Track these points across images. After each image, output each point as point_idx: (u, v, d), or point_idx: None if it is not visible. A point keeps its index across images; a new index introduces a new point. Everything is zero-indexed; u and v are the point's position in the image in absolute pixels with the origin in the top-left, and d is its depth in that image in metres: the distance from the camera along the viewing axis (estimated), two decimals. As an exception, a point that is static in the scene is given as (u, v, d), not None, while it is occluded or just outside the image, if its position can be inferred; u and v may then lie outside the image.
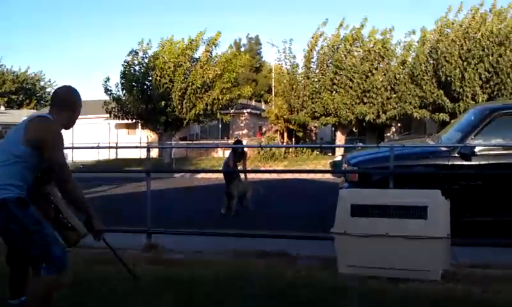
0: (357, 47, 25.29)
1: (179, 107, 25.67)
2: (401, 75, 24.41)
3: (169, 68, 25.38)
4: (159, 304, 4.14)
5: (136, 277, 4.43)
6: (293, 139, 30.74)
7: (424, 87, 23.63)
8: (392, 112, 24.47)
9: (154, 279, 4.94)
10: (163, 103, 25.26)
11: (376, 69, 24.42)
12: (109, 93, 26.61)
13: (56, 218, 3.48)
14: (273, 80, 34.38)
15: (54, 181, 3.40)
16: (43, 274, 3.10)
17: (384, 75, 24.37)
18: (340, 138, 26.52)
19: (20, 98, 59.86)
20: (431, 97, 23.51)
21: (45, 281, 3.10)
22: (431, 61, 23.69)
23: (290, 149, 27.24)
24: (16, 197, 3.09)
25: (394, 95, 24.42)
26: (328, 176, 12.74)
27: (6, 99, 56.87)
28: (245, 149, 11.55)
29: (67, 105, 3.42)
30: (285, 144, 29.53)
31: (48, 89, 64.37)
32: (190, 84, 25.29)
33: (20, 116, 44.96)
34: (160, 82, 25.42)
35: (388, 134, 30.71)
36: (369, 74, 24.25)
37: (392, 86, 24.31)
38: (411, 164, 6.94)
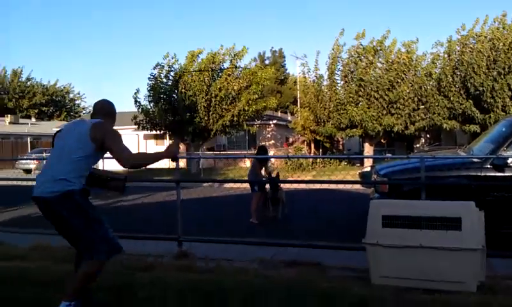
0: (379, 57, 25.10)
1: (205, 118, 25.91)
2: (428, 87, 24.14)
3: (194, 81, 25.70)
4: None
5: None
6: (320, 150, 30.66)
7: (451, 98, 23.32)
8: (420, 123, 24.20)
9: (186, 286, 5.00)
10: (188, 115, 25.55)
11: (402, 80, 24.18)
12: (137, 104, 27.06)
13: (99, 182, 4.34)
14: (298, 91, 34.41)
15: (122, 165, 3.99)
16: (93, 260, 3.81)
17: (411, 86, 24.12)
18: (368, 149, 26.31)
19: (50, 110, 61.28)
20: (459, 108, 23.19)
21: (93, 264, 3.82)
22: (458, 73, 23.39)
23: (318, 160, 27.17)
24: (81, 189, 3.83)
25: (422, 106, 24.14)
26: (357, 186, 12.65)
27: (36, 111, 58.30)
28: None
29: (108, 113, 4.22)
30: (312, 155, 29.46)
31: (77, 102, 65.83)
32: (214, 95, 25.54)
33: (51, 127, 46.00)
34: (186, 94, 25.73)
35: (418, 145, 30.35)
36: (394, 85, 24.02)
37: (419, 97, 24.04)
38: (443, 175, 6.86)
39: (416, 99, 23.94)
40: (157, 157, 4.25)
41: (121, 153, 3.90)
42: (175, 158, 4.59)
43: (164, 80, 27.01)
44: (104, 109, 4.25)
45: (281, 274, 5.44)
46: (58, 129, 4.54)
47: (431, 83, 24.28)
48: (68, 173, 3.77)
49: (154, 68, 26.86)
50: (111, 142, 3.90)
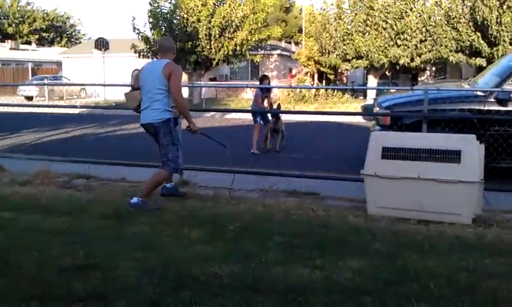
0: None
1: (208, 47, 25.41)
2: (437, 17, 23.49)
3: (196, 6, 24.92)
4: (191, 235, 4.27)
5: (225, 147, 6.01)
6: (324, 82, 30.34)
7: (460, 30, 22.78)
8: (426, 56, 23.73)
9: (186, 212, 5.09)
10: (190, 43, 24.99)
11: (411, 10, 23.51)
12: (137, 31, 26.41)
13: None
14: (304, 20, 33.60)
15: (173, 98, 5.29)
16: (163, 169, 5.32)
17: (420, 16, 23.48)
18: (372, 81, 25.99)
19: (51, 36, 60.28)
20: (467, 40, 22.70)
21: (161, 174, 5.33)
22: (468, 3, 22.70)
23: (321, 92, 26.93)
24: (173, 117, 5.35)
25: (429, 38, 23.60)
26: (359, 119, 12.61)
27: (37, 36, 57.36)
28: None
29: (168, 49, 5.43)
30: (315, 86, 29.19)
31: (77, 28, 64.62)
32: (215, 24, 24.82)
33: (52, 53, 45.32)
34: (188, 21, 25.05)
35: (423, 78, 29.98)
36: (403, 15, 23.38)
37: (427, 28, 23.45)
38: (446, 108, 6.80)
39: (424, 30, 23.36)
40: (188, 117, 5.51)
41: (175, 90, 5.23)
42: (194, 131, 5.57)
43: (166, 5, 26.18)
44: (166, 46, 5.45)
45: (280, 203, 5.51)
46: (136, 69, 5.75)
47: (440, 13, 23.62)
48: (162, 106, 5.20)
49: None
50: (173, 79, 5.15)
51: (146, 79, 5.29)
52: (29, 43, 52.92)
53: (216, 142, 5.90)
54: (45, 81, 31.13)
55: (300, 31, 36.60)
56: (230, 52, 25.54)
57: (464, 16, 22.76)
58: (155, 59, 5.49)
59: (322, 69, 28.88)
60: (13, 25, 56.26)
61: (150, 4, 25.83)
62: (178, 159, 5.38)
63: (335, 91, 27.41)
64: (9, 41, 47.96)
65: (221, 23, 24.67)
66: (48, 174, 7.00)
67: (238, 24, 25.50)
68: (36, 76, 36.33)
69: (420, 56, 23.89)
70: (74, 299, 3.04)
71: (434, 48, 23.55)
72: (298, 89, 26.14)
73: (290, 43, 43.48)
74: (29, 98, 29.63)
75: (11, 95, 30.13)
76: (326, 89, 27.11)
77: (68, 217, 4.94)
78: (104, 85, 24.51)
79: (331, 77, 30.27)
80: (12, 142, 10.83)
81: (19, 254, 3.83)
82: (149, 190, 5.28)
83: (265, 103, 10.62)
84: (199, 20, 24.79)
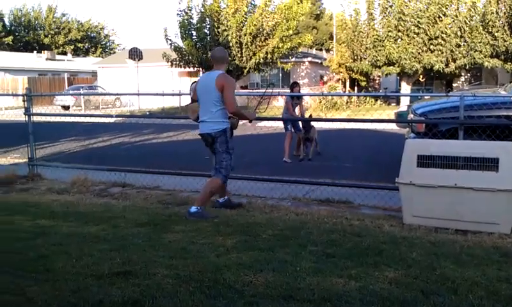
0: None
1: (239, 55, 25.55)
2: (472, 21, 23.02)
3: (228, 14, 25.11)
4: (226, 243, 4.30)
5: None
6: (355, 89, 30.10)
7: (495, 34, 22.28)
8: (461, 61, 23.27)
9: (221, 220, 5.12)
10: (221, 52, 25.14)
11: (444, 14, 23.10)
12: (169, 42, 26.77)
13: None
14: (335, 27, 33.46)
15: (229, 111, 5.42)
16: (216, 177, 5.46)
17: (453, 21, 23.05)
18: (405, 88, 25.61)
19: (85, 46, 61.76)
20: (503, 45, 22.18)
21: (215, 181, 5.46)
22: (503, 7, 22.18)
23: (353, 99, 26.72)
24: (229, 127, 5.48)
25: (464, 43, 23.14)
26: (393, 126, 12.47)
27: (72, 47, 58.87)
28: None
29: (224, 60, 5.62)
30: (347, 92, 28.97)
31: (112, 38, 66.02)
32: (247, 32, 24.94)
33: (87, 63, 46.38)
34: (219, 29, 25.26)
35: (457, 84, 29.42)
36: (436, 19, 22.98)
37: (462, 33, 23.00)
38: (482, 114, 6.65)
39: (459, 34, 22.91)
40: (242, 113, 5.65)
41: (229, 102, 5.32)
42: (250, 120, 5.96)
43: (195, 15, 26.45)
44: (216, 57, 5.58)
45: (313, 212, 5.49)
46: (194, 82, 5.84)
47: (474, 18, 23.14)
48: (218, 117, 5.37)
49: (180, 3, 26.18)
50: (226, 91, 5.27)
51: (202, 92, 5.47)
52: (64, 53, 54.35)
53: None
54: (81, 91, 31.90)
55: (331, 37, 36.45)
56: (261, 60, 25.62)
57: (499, 21, 22.26)
58: (209, 72, 5.58)
59: (353, 76, 28.67)
60: (49, 36, 57.95)
61: (179, 14, 26.12)
62: (230, 168, 5.49)
63: (367, 98, 27.14)
64: (46, 51, 49.36)
65: (252, 31, 24.78)
66: (85, 183, 7.17)
67: (269, 32, 25.58)
68: (72, 86, 37.24)
69: (454, 62, 23.45)
70: (112, 306, 3.10)
71: (469, 53, 23.08)
72: (330, 97, 25.97)
73: (321, 50, 43.39)
74: (66, 108, 30.36)
75: (48, 105, 30.88)
76: (358, 96, 26.87)
77: (105, 224, 5.04)
78: (138, 94, 24.93)
79: (363, 83, 30.00)
80: (50, 151, 11.12)
81: (58, 261, 3.92)
82: (205, 198, 5.44)
83: (297, 111, 10.59)
84: (230, 28, 24.97)
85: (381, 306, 3.08)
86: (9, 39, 54.78)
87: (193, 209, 5.31)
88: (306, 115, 11.08)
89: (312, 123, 10.20)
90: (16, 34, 57.33)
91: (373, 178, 6.81)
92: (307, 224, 5.01)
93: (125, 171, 7.43)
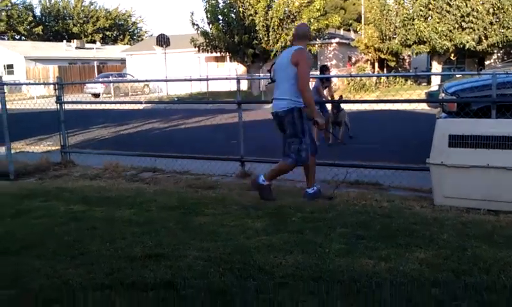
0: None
1: (265, 39, 25.43)
2: (504, -1, 22.27)
3: (253, -1, 24.97)
4: (255, 226, 4.33)
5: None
6: (385, 69, 29.62)
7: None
8: (493, 39, 22.61)
9: (249, 204, 5.15)
10: (247, 36, 25.09)
11: (477, -9, 22.43)
12: (195, 27, 26.81)
13: None
14: (363, 7, 32.90)
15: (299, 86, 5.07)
16: (285, 161, 5.23)
17: (487, -2, 22.36)
18: (436, 67, 25.09)
19: (114, 34, 62.43)
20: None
21: (284, 165, 5.25)
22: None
23: (382, 79, 26.30)
24: (299, 108, 5.08)
25: (496, 20, 22.44)
26: (424, 106, 12.25)
27: (101, 35, 59.61)
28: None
29: (305, 36, 5.33)
30: (376, 73, 28.56)
31: (139, 25, 66.52)
32: (274, 15, 24.76)
33: (115, 51, 46.91)
34: (245, 14, 25.15)
35: (489, 62, 28.64)
36: (469, -4, 22.33)
37: (494, 10, 22.29)
38: (516, 92, 6.47)
39: (491, 11, 22.22)
40: (313, 109, 5.18)
41: (301, 78, 5.01)
42: (319, 125, 5.32)
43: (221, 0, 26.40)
44: (298, 33, 5.29)
45: (343, 194, 5.47)
46: (273, 63, 5.58)
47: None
48: (287, 94, 5.07)
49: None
50: (301, 67, 4.98)
51: (278, 69, 5.27)
52: (93, 42, 55.10)
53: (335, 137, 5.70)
54: (111, 78, 32.34)
55: (359, 18, 35.90)
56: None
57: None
58: (287, 49, 5.40)
59: (382, 56, 28.20)
60: (78, 25, 58.80)
61: (204, 0, 26.07)
62: (301, 152, 5.12)
63: (397, 78, 26.69)
64: (75, 40, 50.14)
65: (279, 14, 24.60)
66: (117, 168, 7.31)
67: (295, 14, 25.34)
68: (101, 74, 37.77)
69: (487, 39, 22.80)
70: (145, 287, 3.18)
71: (501, 31, 22.39)
72: (358, 78, 25.64)
73: (349, 30, 42.75)
74: (96, 95, 30.85)
75: (79, 93, 31.48)
76: (388, 77, 26.46)
77: (137, 208, 5.14)
78: (166, 80, 25.13)
79: (393, 63, 29.49)
80: (82, 138, 11.35)
81: (92, 245, 4.03)
82: (273, 175, 5.36)
83: (326, 93, 10.48)
84: (256, 13, 24.84)
85: (411, 286, 3.07)
86: (39, 29, 55.80)
87: (261, 179, 5.33)
88: (336, 97, 10.93)
89: (342, 106, 10.09)
90: (46, 24, 58.35)
91: (403, 159, 6.73)
92: (336, 206, 5.01)
93: (155, 156, 7.53)
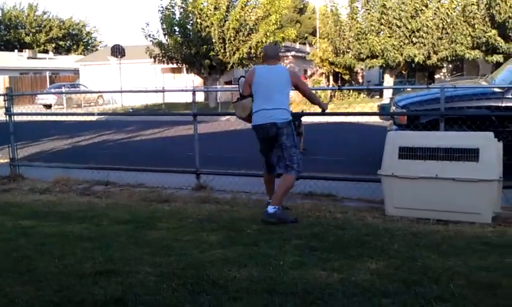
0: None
1: (222, 50, 25.48)
2: (453, 13, 23.20)
3: (209, 10, 25.01)
4: (210, 239, 4.30)
5: None
6: (339, 82, 30.21)
7: (476, 26, 22.52)
8: (443, 53, 23.48)
9: (204, 217, 5.12)
10: (205, 47, 25.09)
11: (426, 6, 23.27)
12: (150, 38, 26.56)
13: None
14: (318, 21, 33.52)
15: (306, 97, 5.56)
16: (289, 174, 5.00)
17: (435, 14, 23.23)
18: (388, 81, 25.81)
19: (67, 44, 61.09)
20: (483, 37, 22.43)
21: (290, 178, 5.02)
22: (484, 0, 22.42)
23: (337, 93, 26.81)
24: (291, 119, 5.11)
25: (446, 35, 23.33)
26: (375, 119, 12.54)
27: (54, 45, 58.20)
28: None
29: (278, 57, 5.35)
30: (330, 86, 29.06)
31: (94, 35, 65.33)
32: (230, 26, 24.88)
33: (68, 61, 45.90)
34: (202, 25, 25.15)
35: (439, 76, 29.69)
36: (418, 12, 23.14)
37: (444, 25, 23.18)
38: (463, 105, 6.72)
39: (441, 26, 23.08)
40: (320, 103, 5.77)
41: (310, 94, 5.50)
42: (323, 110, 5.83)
43: (177, 11, 26.28)
44: (269, 55, 5.28)
45: (297, 205, 5.51)
46: (243, 76, 5.54)
47: (456, 9, 23.33)
48: (285, 105, 5.07)
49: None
50: (303, 86, 5.41)
51: (266, 84, 5.08)
52: (46, 51, 53.70)
53: None
54: (63, 89, 31.56)
55: (314, 32, 36.50)
56: (245, 55, 25.58)
57: (480, 12, 22.49)
58: (266, 65, 5.21)
59: (337, 69, 28.78)
60: (30, 34, 57.21)
61: (160, 11, 25.91)
62: (300, 162, 5.07)
63: (351, 91, 27.27)
64: (27, 50, 48.72)
65: (235, 25, 24.73)
66: (68, 182, 7.12)
67: (252, 27, 25.54)
68: (54, 84, 36.80)
69: (436, 54, 23.66)
70: (95, 305, 3.09)
71: (450, 45, 23.29)
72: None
73: (304, 44, 43.43)
74: (48, 107, 30.00)
75: (30, 104, 30.50)
76: (341, 90, 26.98)
77: (88, 223, 5.01)
78: (121, 91, 24.74)
79: (346, 77, 30.14)
80: (32, 150, 10.98)
81: (41, 261, 3.90)
82: (281, 197, 5.03)
83: None
84: (212, 24, 24.88)
85: (363, 297, 3.11)
86: (-11, 38, 54.00)
87: (271, 209, 4.89)
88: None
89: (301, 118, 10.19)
90: (-3, 33, 56.51)
91: (356, 171, 6.86)
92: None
93: (108, 169, 7.37)
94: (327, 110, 6.04)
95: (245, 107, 5.23)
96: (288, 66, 33.84)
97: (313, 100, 5.54)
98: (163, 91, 28.54)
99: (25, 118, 9.91)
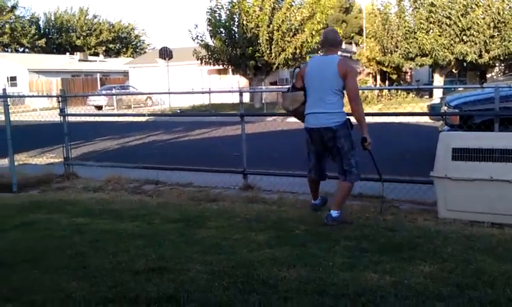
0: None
1: (268, 51, 25.53)
2: (505, 11, 22.38)
3: (255, 11, 25.09)
4: (258, 239, 4.32)
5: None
6: (386, 82, 29.72)
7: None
8: (495, 52, 22.69)
9: (252, 217, 5.14)
10: (251, 49, 25.19)
11: (477, 4, 22.55)
12: (197, 40, 26.90)
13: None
14: (364, 20, 33.07)
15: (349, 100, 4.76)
16: (348, 179, 4.79)
17: (486, 11, 22.47)
18: (438, 80, 25.18)
19: (117, 47, 62.82)
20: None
21: (348, 184, 4.83)
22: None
23: (384, 92, 26.38)
24: (347, 119, 4.78)
25: (497, 33, 22.54)
26: (426, 119, 12.25)
27: (104, 48, 59.98)
28: None
29: (337, 43, 4.93)
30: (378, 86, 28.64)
31: (142, 38, 66.89)
32: (276, 28, 24.87)
33: (118, 63, 47.15)
34: (247, 27, 25.27)
35: (491, 75, 28.72)
36: (468, 10, 22.46)
37: (496, 23, 22.39)
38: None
39: (492, 25, 22.33)
40: (364, 125, 4.89)
41: (354, 93, 4.75)
42: (364, 140, 4.91)
43: (223, 13, 26.49)
44: (328, 40, 4.84)
45: (346, 206, 5.45)
46: (298, 67, 5.12)
47: (507, 8, 22.51)
48: (338, 107, 4.71)
49: (211, 0, 26.38)
50: (351, 80, 4.70)
51: (316, 78, 4.76)
52: (96, 54, 55.42)
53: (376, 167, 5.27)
54: (114, 91, 32.45)
55: (360, 31, 36.04)
56: (290, 56, 25.54)
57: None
58: (321, 55, 5.02)
59: (384, 69, 28.31)
60: (81, 37, 59.22)
61: (208, 13, 26.21)
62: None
63: (399, 91, 26.77)
64: (78, 53, 50.42)
65: (281, 27, 24.72)
66: (119, 180, 7.31)
67: (297, 27, 25.47)
68: (104, 86, 37.90)
69: (488, 52, 22.90)
70: (148, 301, 3.16)
71: (502, 44, 22.49)
72: (361, 91, 25.69)
73: (350, 43, 42.94)
74: (99, 108, 30.93)
75: (82, 105, 31.57)
76: (389, 90, 26.52)
77: (140, 221, 5.13)
78: (169, 93, 25.19)
79: (394, 76, 29.60)
80: (84, 150, 11.36)
81: (95, 258, 4.02)
82: (342, 201, 4.89)
83: None
84: (258, 26, 24.97)
85: (416, 300, 3.05)
86: (42, 42, 56.20)
87: (335, 214, 4.76)
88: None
89: None
90: (50, 36, 58.74)
91: (407, 172, 6.72)
92: (339, 219, 4.98)
93: (158, 169, 7.53)
94: (366, 138, 4.93)
95: (294, 99, 4.97)
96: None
97: (355, 111, 4.81)
98: (210, 91, 28.90)
99: (78, 119, 10.26)
